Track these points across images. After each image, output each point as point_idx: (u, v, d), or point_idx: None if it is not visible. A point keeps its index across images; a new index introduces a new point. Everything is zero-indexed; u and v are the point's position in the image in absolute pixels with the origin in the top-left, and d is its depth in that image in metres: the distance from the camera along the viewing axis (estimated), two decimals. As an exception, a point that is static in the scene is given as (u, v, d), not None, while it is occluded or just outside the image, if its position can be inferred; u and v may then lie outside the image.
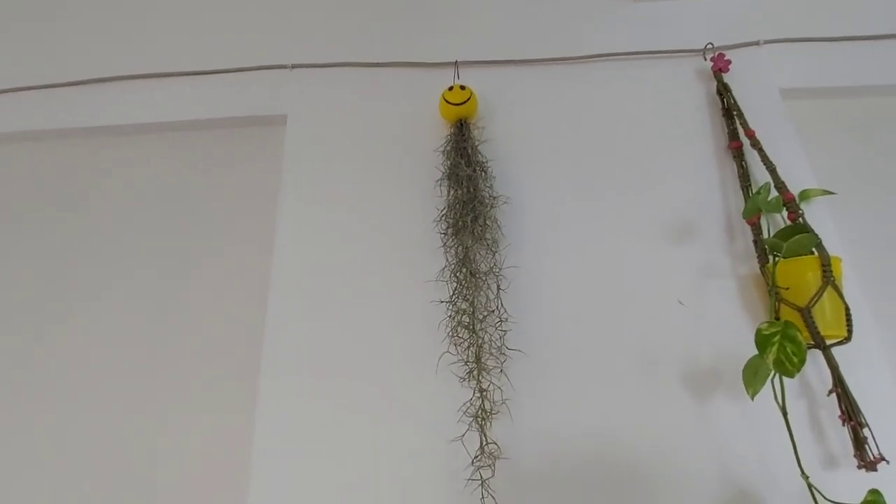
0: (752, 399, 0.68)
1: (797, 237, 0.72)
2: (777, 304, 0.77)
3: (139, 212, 0.96)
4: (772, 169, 0.86)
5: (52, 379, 0.85)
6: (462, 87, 0.92)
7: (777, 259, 0.74)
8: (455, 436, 0.71)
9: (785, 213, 0.83)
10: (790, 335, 0.63)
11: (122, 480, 0.79)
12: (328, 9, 1.11)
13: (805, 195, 0.87)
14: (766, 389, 0.68)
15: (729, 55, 1.01)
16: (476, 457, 0.69)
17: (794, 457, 0.70)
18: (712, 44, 1.02)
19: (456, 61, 1.02)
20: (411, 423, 0.73)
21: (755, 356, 0.68)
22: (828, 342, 0.75)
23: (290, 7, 1.11)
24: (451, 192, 0.85)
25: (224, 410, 0.80)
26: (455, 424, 0.72)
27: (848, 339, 0.74)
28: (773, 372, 0.68)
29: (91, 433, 0.81)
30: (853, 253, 0.87)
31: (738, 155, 0.92)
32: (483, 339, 0.75)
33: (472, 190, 0.83)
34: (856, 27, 1.05)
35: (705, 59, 1.03)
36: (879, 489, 0.63)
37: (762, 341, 0.64)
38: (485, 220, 0.82)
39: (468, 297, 0.77)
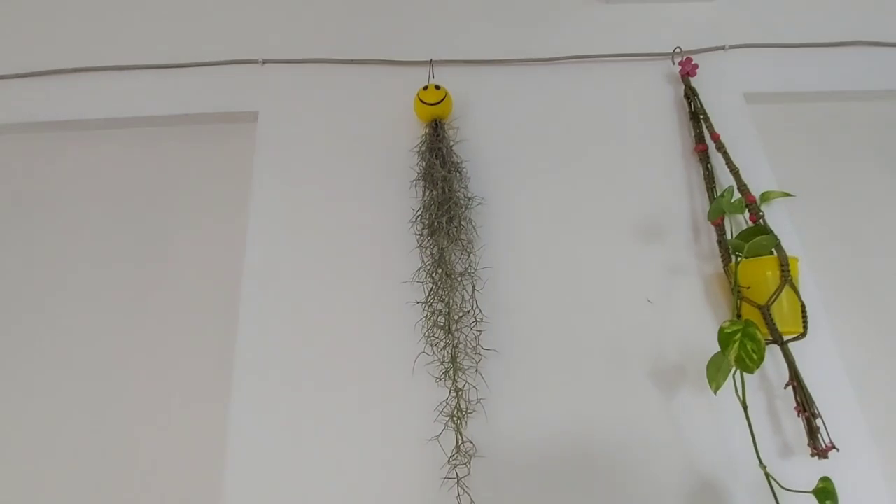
0: (715, 393, 0.71)
1: (758, 238, 0.75)
2: (739, 302, 0.81)
3: (106, 207, 0.92)
4: (735, 171, 0.90)
5: (21, 373, 0.81)
6: (437, 87, 0.92)
7: (739, 259, 0.77)
8: (431, 435, 0.72)
9: (747, 215, 0.86)
10: (750, 333, 0.66)
11: (95, 474, 0.76)
12: (301, 3, 1.09)
13: (766, 197, 0.91)
14: (729, 384, 0.71)
15: (696, 59, 1.04)
16: (452, 455, 0.70)
17: (750, 447, 0.74)
18: (680, 48, 1.05)
19: (431, 60, 1.02)
20: (387, 423, 0.74)
21: (718, 353, 0.71)
22: (785, 338, 0.79)
23: (261, 3, 1.08)
24: (427, 193, 0.85)
25: (196, 410, 0.79)
26: (431, 424, 0.73)
27: (804, 334, 0.78)
28: (734, 368, 0.71)
29: (62, 428, 0.79)
30: (810, 253, 0.92)
31: (703, 157, 0.96)
32: (458, 339, 0.75)
33: (447, 191, 0.84)
34: (817, 34, 1.10)
35: (673, 63, 1.06)
36: (830, 476, 0.67)
37: (724, 339, 0.67)
38: (460, 221, 0.83)
39: (444, 297, 0.77)
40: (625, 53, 1.06)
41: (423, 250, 0.82)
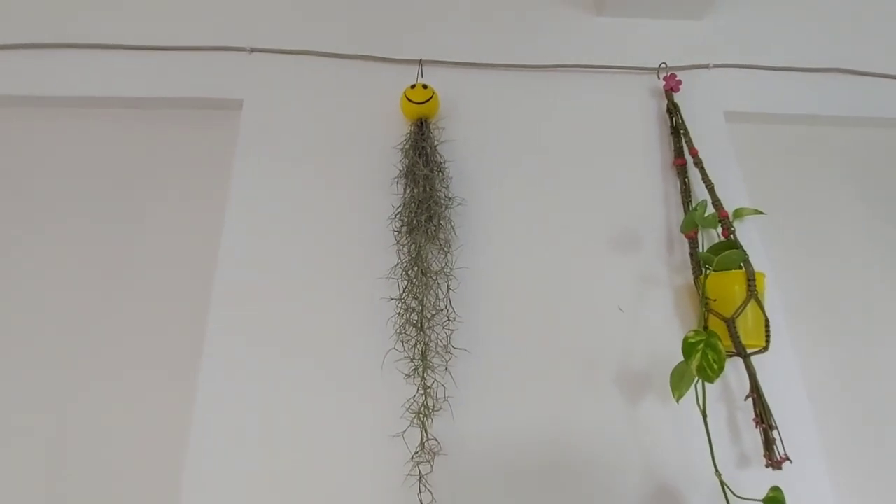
0: (677, 402, 0.73)
1: (727, 252, 0.77)
2: (706, 313, 0.83)
3: (82, 187, 0.90)
4: (710, 187, 0.92)
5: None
6: (424, 87, 0.93)
7: (708, 272, 0.79)
8: (398, 431, 0.72)
9: (720, 230, 0.89)
10: (713, 344, 0.68)
11: (59, 459, 0.75)
12: (291, -5, 1.09)
13: (738, 213, 0.93)
14: (691, 393, 0.73)
15: (681, 76, 1.07)
16: (416, 453, 0.70)
17: (708, 457, 0.76)
18: (665, 63, 1.07)
19: (420, 59, 1.02)
20: (354, 418, 0.74)
21: (682, 362, 0.73)
22: (749, 351, 0.81)
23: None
24: (408, 191, 0.86)
25: (163, 397, 0.78)
26: (398, 420, 0.73)
27: (766, 348, 0.81)
28: (696, 377, 0.73)
29: (24, 412, 0.78)
30: (776, 270, 0.95)
31: (681, 172, 0.98)
32: (430, 337, 0.76)
33: (428, 189, 0.84)
34: (798, 59, 1.13)
35: (658, 78, 1.08)
36: (781, 486, 0.69)
37: (688, 349, 0.69)
38: (439, 220, 0.84)
39: (418, 295, 0.78)
40: (612, 66, 1.08)
41: (401, 247, 0.83)
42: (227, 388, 0.76)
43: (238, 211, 0.88)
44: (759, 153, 1.06)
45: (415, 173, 0.85)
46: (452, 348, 0.77)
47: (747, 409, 0.81)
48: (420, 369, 0.74)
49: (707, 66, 1.11)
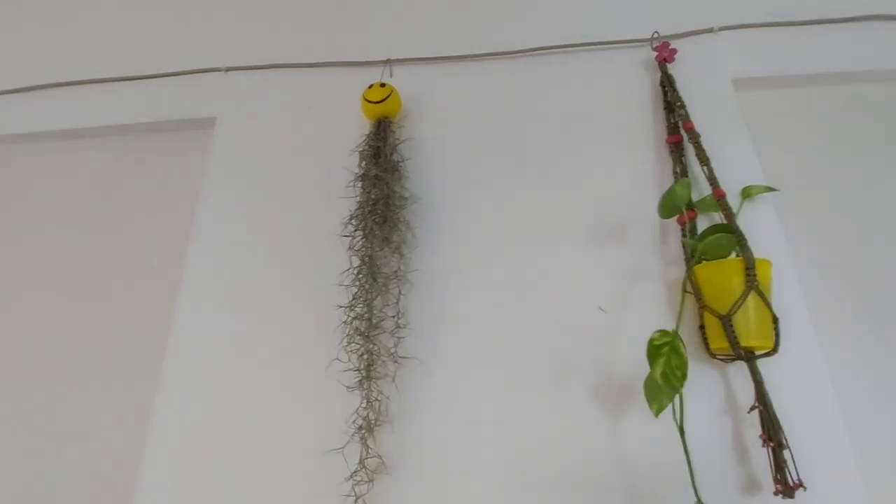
0: (656, 416, 0.61)
1: (713, 237, 0.65)
2: (700, 310, 0.71)
3: (62, 215, 0.97)
4: (706, 163, 0.80)
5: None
6: (382, 85, 0.89)
7: (692, 261, 0.68)
8: (337, 447, 0.68)
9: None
10: (676, 346, 0.57)
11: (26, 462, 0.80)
12: (263, 10, 1.10)
13: (747, 192, 0.80)
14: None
15: (681, 43, 0.95)
16: (355, 471, 0.65)
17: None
18: (658, 32, 0.96)
19: (388, 59, 0.99)
20: (292, 431, 0.71)
21: (655, 369, 0.62)
22: (757, 353, 0.68)
23: (226, 9, 1.11)
24: (362, 194, 0.82)
25: (123, 394, 0.81)
26: (340, 435, 0.69)
27: (774, 350, 0.67)
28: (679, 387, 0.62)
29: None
30: (801, 257, 0.79)
31: (676, 150, 0.86)
32: (378, 346, 0.71)
33: (382, 190, 0.80)
34: (824, 9, 0.96)
35: (653, 50, 0.96)
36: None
37: (652, 352, 0.58)
38: (393, 222, 0.79)
39: (367, 301, 0.74)
40: (597, 42, 0.98)
41: (354, 252, 0.79)
42: (182, 394, 0.77)
43: (204, 223, 0.90)
44: (777, 123, 0.91)
45: (368, 175, 0.81)
46: (399, 358, 0.72)
47: (757, 424, 0.67)
48: (364, 381, 0.69)
49: (711, 30, 0.97)
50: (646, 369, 0.72)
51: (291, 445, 0.70)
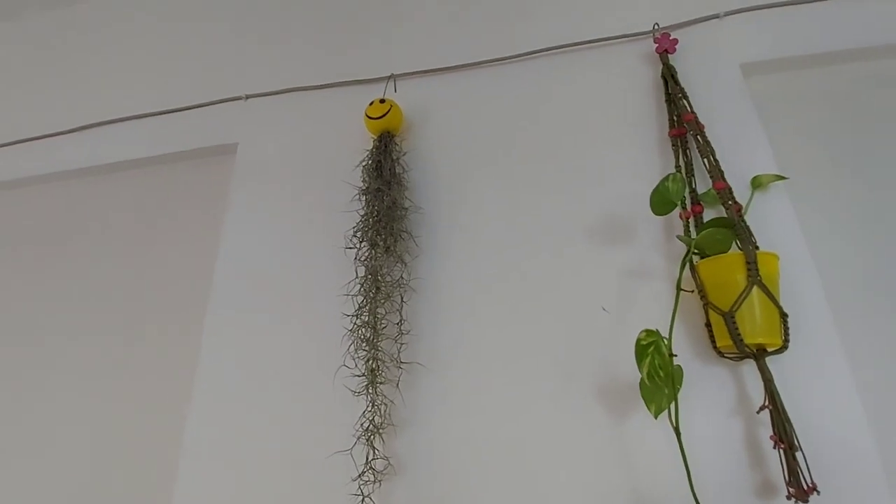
0: (655, 417, 0.61)
1: (707, 231, 0.64)
2: (705, 307, 0.69)
3: (107, 238, 1.09)
4: (707, 156, 0.77)
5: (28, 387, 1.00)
6: (382, 101, 0.93)
7: (685, 257, 0.66)
8: (344, 449, 0.71)
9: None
10: (658, 346, 0.56)
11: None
12: (276, 38, 1.17)
13: (757, 182, 0.77)
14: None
15: (685, 33, 0.93)
16: (362, 472, 0.68)
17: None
18: (658, 24, 0.93)
19: (391, 74, 1.03)
20: (304, 434, 0.75)
21: (649, 369, 0.61)
22: (768, 350, 0.65)
23: (243, 40, 1.19)
24: (366, 206, 0.86)
25: (156, 408, 0.89)
26: (348, 438, 0.72)
27: (784, 347, 0.64)
28: (679, 387, 0.61)
29: (61, 434, 0.94)
30: (820, 249, 0.75)
31: (679, 143, 0.83)
32: (382, 352, 0.74)
33: (383, 202, 0.84)
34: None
35: (654, 42, 0.94)
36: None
37: (639, 352, 0.57)
38: (396, 232, 0.82)
39: (372, 309, 0.77)
40: (595, 39, 0.97)
41: (360, 263, 0.83)
42: (214, 406, 0.83)
43: (230, 239, 0.97)
44: (790, 107, 0.86)
45: (370, 188, 0.85)
46: (403, 363, 0.74)
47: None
48: (370, 386, 0.72)
49: (717, 16, 0.94)
50: (649, 370, 0.71)
51: (302, 446, 0.74)
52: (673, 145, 0.83)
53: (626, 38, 0.96)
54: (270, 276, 0.91)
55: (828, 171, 0.81)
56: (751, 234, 0.69)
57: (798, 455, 0.59)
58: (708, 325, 0.70)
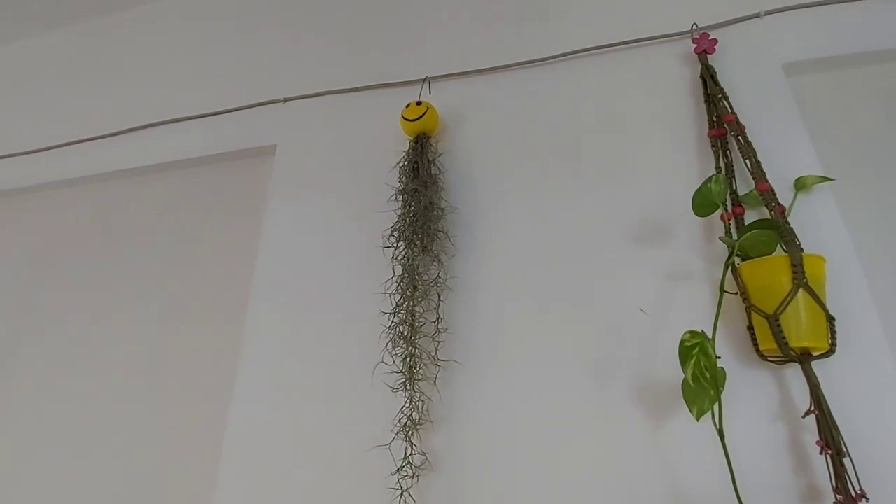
0: (698, 420, 0.60)
1: (751, 233, 0.63)
2: (747, 310, 0.68)
3: (153, 236, 1.14)
4: (749, 157, 0.76)
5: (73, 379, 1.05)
6: (418, 103, 0.94)
7: (729, 259, 0.65)
8: (383, 444, 0.73)
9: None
10: (705, 347, 0.55)
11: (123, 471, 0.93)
12: (313, 42, 1.20)
13: (801, 183, 0.76)
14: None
15: (724, 32, 0.92)
16: (401, 466, 0.70)
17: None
18: (696, 24, 0.93)
19: (426, 77, 1.04)
20: (344, 429, 0.77)
21: (692, 371, 0.60)
22: (814, 354, 0.64)
23: (282, 45, 1.22)
24: (402, 206, 0.87)
25: (200, 407, 0.91)
26: (387, 434, 0.74)
27: (831, 352, 0.63)
28: (721, 389, 0.60)
29: (101, 430, 0.99)
30: (868, 250, 0.73)
31: (719, 144, 0.83)
32: (419, 349, 0.76)
33: (420, 202, 0.85)
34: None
35: (692, 42, 0.94)
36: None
37: (683, 353, 0.57)
38: (432, 232, 0.83)
39: (409, 308, 0.78)
40: (633, 40, 0.97)
41: (397, 262, 0.84)
42: (255, 398, 0.86)
43: (269, 239, 1.00)
44: (835, 107, 0.84)
45: (407, 189, 0.87)
46: (440, 361, 0.75)
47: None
48: (407, 382, 0.73)
49: (758, 15, 0.93)
50: (690, 372, 0.71)
51: (342, 441, 0.76)
52: (713, 146, 0.83)
53: (663, 39, 0.96)
54: (309, 274, 0.93)
55: (873, 172, 0.79)
56: (795, 237, 0.68)
57: (846, 461, 0.58)
58: (750, 327, 0.69)
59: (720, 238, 0.70)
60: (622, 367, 0.74)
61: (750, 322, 0.69)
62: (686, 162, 0.85)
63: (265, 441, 0.81)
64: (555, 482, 0.70)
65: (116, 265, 1.13)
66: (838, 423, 0.60)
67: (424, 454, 0.71)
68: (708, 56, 0.89)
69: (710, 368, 0.54)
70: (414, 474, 0.69)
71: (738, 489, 0.58)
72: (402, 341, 0.77)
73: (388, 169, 0.98)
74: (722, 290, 0.64)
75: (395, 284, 0.82)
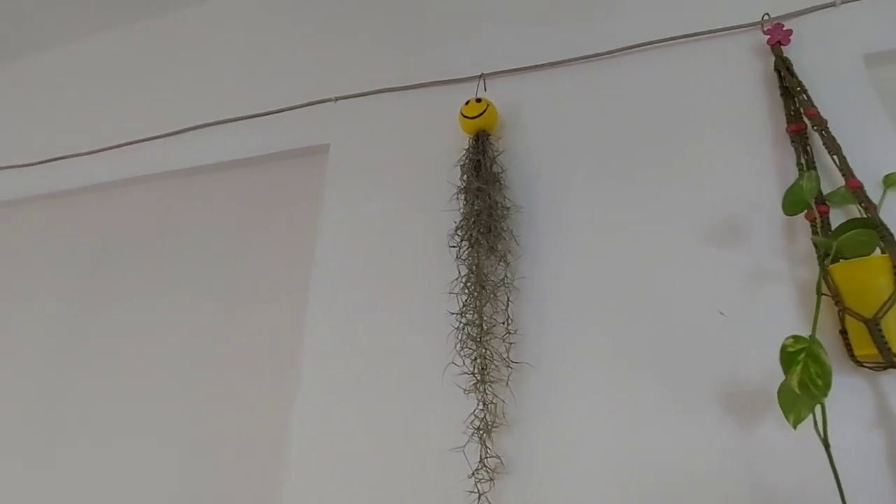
0: (794, 427, 0.58)
1: (850, 233, 0.60)
2: (840, 314, 0.65)
3: (209, 234, 1.15)
4: (836, 152, 0.73)
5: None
6: (478, 100, 0.93)
7: (826, 260, 0.62)
8: (457, 446, 0.72)
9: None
10: (814, 354, 0.53)
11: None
12: (363, 41, 1.20)
13: (890, 180, 0.72)
14: (829, 418, 0.58)
15: (796, 23, 0.88)
16: (476, 469, 0.69)
17: (861, 499, 0.59)
18: (769, 14, 0.89)
19: (481, 74, 1.03)
20: (418, 431, 0.76)
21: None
22: (914, 360, 0.61)
23: (333, 45, 1.22)
24: (465, 205, 0.86)
25: (264, 409, 0.92)
26: (459, 436, 0.73)
27: (936, 357, 0.60)
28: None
29: (161, 425, 1.01)
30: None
31: (799, 139, 0.79)
32: (490, 350, 0.75)
33: (484, 201, 0.84)
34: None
35: (764, 33, 0.90)
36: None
37: (787, 359, 0.55)
38: (497, 231, 0.82)
39: (477, 308, 0.77)
40: (698, 32, 0.94)
41: (461, 262, 0.83)
42: (317, 403, 0.86)
43: (326, 238, 1.00)
44: (923, 98, 0.80)
45: (469, 187, 0.85)
46: (512, 362, 0.74)
47: (921, 439, 0.61)
48: (479, 384, 0.72)
49: (833, 4, 0.89)
50: (777, 377, 0.68)
51: (417, 443, 0.75)
52: (792, 142, 0.79)
53: (730, 31, 0.92)
54: (370, 272, 0.93)
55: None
56: (894, 237, 0.65)
57: (959, 474, 0.55)
58: (843, 332, 0.66)
59: (813, 239, 0.67)
60: (700, 370, 0.72)
61: (843, 326, 0.66)
62: (761, 158, 0.82)
63: (332, 442, 0.81)
64: (629, 486, 0.68)
65: (174, 263, 1.14)
66: (944, 432, 0.57)
67: (499, 457, 0.70)
68: (782, 47, 0.86)
69: (822, 375, 0.51)
70: (490, 477, 0.68)
71: (842, 498, 0.55)
72: (471, 342, 0.76)
73: (447, 167, 0.97)
74: (819, 293, 0.61)
75: (461, 284, 0.81)
